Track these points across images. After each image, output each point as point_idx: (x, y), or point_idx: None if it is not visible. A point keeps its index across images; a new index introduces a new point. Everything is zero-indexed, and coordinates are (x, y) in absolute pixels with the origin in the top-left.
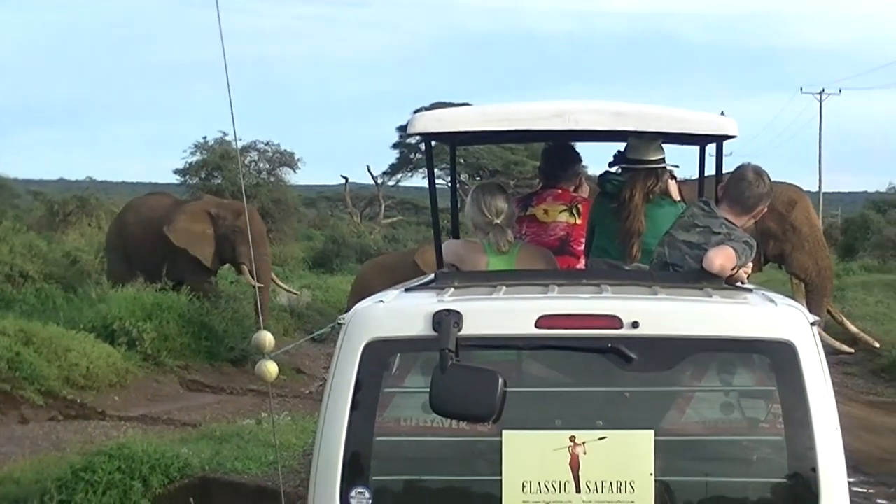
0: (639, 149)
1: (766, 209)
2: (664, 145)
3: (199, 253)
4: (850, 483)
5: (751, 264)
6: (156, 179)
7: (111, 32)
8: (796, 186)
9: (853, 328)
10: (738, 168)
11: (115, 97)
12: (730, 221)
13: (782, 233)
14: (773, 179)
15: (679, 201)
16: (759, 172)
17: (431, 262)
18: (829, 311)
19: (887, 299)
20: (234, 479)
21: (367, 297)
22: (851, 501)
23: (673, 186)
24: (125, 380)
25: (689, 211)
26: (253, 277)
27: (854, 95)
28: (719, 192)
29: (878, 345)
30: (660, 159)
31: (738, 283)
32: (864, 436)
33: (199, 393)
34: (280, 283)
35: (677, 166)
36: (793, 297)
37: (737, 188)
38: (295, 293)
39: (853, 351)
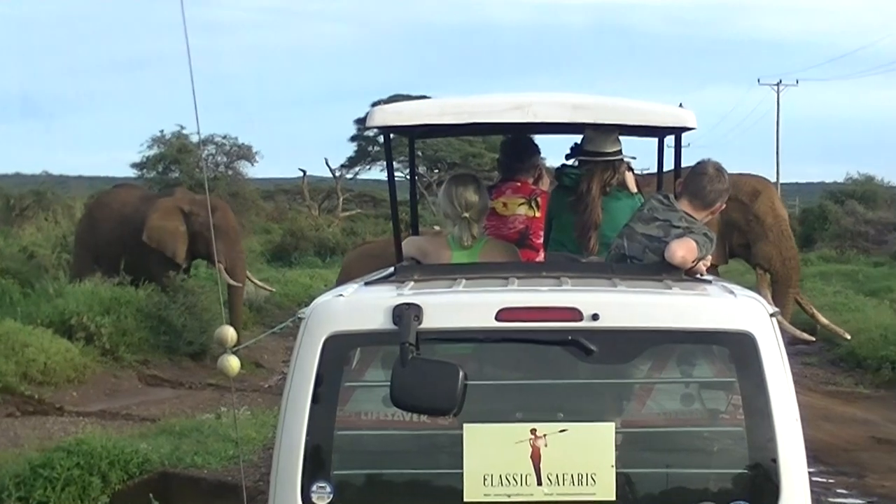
0: (595, 141)
1: (723, 205)
2: (622, 137)
3: (170, 250)
4: (810, 473)
5: (710, 257)
6: (113, 173)
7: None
8: (761, 177)
9: (824, 320)
10: (698, 163)
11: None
12: (689, 215)
13: (745, 223)
14: (733, 170)
15: (636, 193)
16: (718, 168)
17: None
18: (799, 303)
19: (845, 289)
20: (194, 473)
21: None
22: (812, 491)
23: (630, 179)
24: (83, 375)
25: (649, 204)
26: (227, 275)
27: (812, 86)
28: (678, 187)
29: (848, 336)
30: (616, 151)
31: (698, 275)
32: (823, 426)
33: (157, 388)
34: (256, 280)
35: (634, 158)
36: (757, 289)
37: (697, 183)
38: (270, 290)
39: (814, 339)
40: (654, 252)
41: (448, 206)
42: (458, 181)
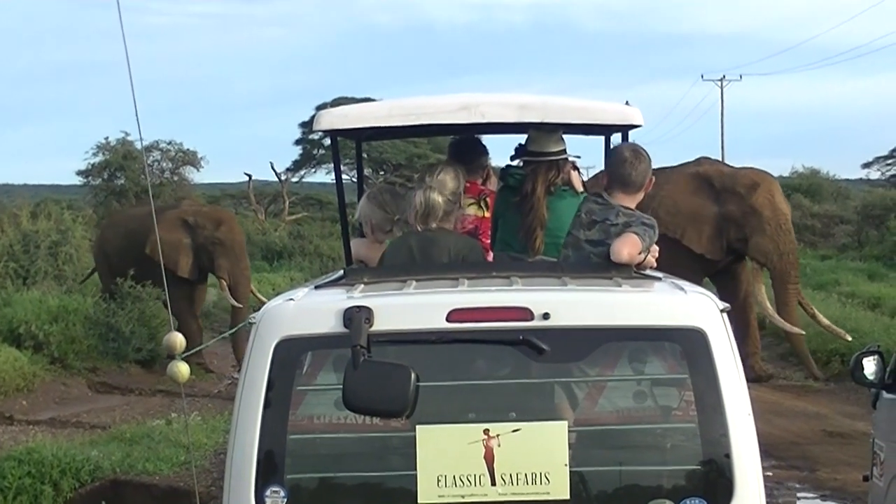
0: (539, 141)
1: (653, 179)
2: (568, 136)
3: (173, 263)
4: (762, 468)
5: (657, 249)
6: (59, 181)
7: (7, 32)
8: (762, 170)
9: (825, 321)
10: (614, 151)
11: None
12: (625, 207)
13: (742, 216)
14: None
15: (582, 192)
16: (634, 149)
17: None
18: (801, 304)
19: None
20: (146, 480)
21: None
22: (765, 486)
23: (576, 178)
24: (32, 383)
25: (586, 207)
26: (229, 293)
27: (756, 80)
28: (603, 181)
29: (849, 338)
30: (560, 151)
31: (648, 271)
32: (775, 420)
33: (107, 395)
34: (259, 295)
35: (579, 157)
36: (753, 284)
37: (620, 171)
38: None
39: (804, 333)
40: (599, 256)
41: (377, 214)
42: (382, 191)
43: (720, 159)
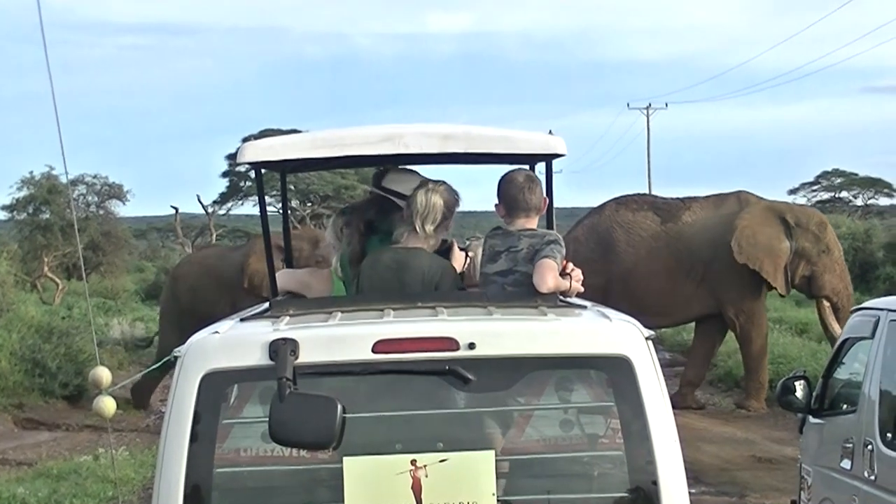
0: (394, 180)
1: (547, 199)
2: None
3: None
4: (691, 494)
5: (580, 276)
6: None
7: None
8: (815, 209)
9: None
10: (507, 180)
11: None
12: (527, 228)
13: (816, 255)
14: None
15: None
16: (526, 174)
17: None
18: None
19: None
20: None
21: None
22: None
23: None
24: None
25: (488, 244)
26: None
27: (681, 108)
28: (501, 211)
29: None
30: (403, 196)
31: (573, 298)
32: (703, 447)
33: (33, 431)
34: None
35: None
36: (824, 320)
37: (518, 197)
38: None
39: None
40: (514, 284)
41: (333, 239)
42: (343, 214)
43: (648, 188)
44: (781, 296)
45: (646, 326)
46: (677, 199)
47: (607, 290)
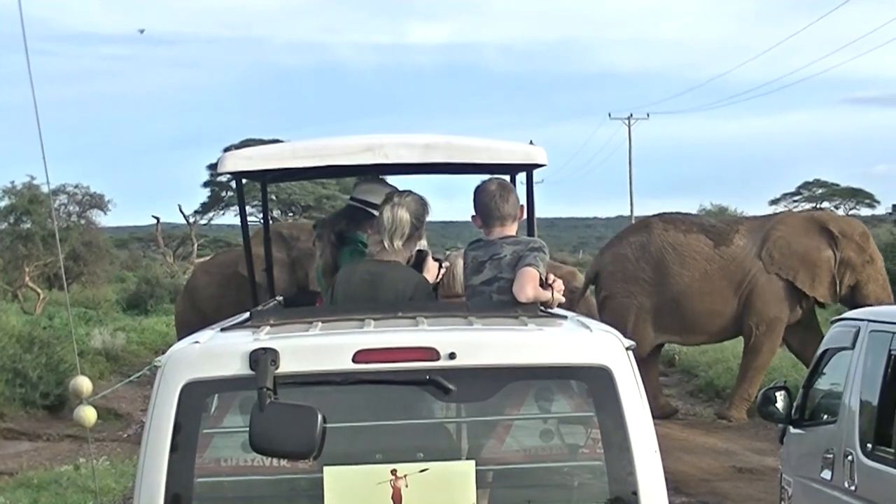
0: (367, 192)
1: (523, 206)
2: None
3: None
4: None
5: (562, 285)
6: None
7: None
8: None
9: None
10: (481, 191)
11: None
12: (507, 235)
13: (861, 265)
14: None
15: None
16: (499, 183)
17: None
18: None
19: None
20: None
21: None
22: None
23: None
24: None
25: (470, 256)
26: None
27: (662, 119)
28: (477, 222)
29: None
30: (375, 205)
31: (554, 308)
32: (683, 457)
33: (14, 441)
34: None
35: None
36: None
37: (494, 206)
38: None
39: None
40: (498, 291)
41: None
42: (314, 229)
43: (630, 198)
44: (823, 306)
45: (693, 344)
46: (722, 222)
47: (659, 309)
